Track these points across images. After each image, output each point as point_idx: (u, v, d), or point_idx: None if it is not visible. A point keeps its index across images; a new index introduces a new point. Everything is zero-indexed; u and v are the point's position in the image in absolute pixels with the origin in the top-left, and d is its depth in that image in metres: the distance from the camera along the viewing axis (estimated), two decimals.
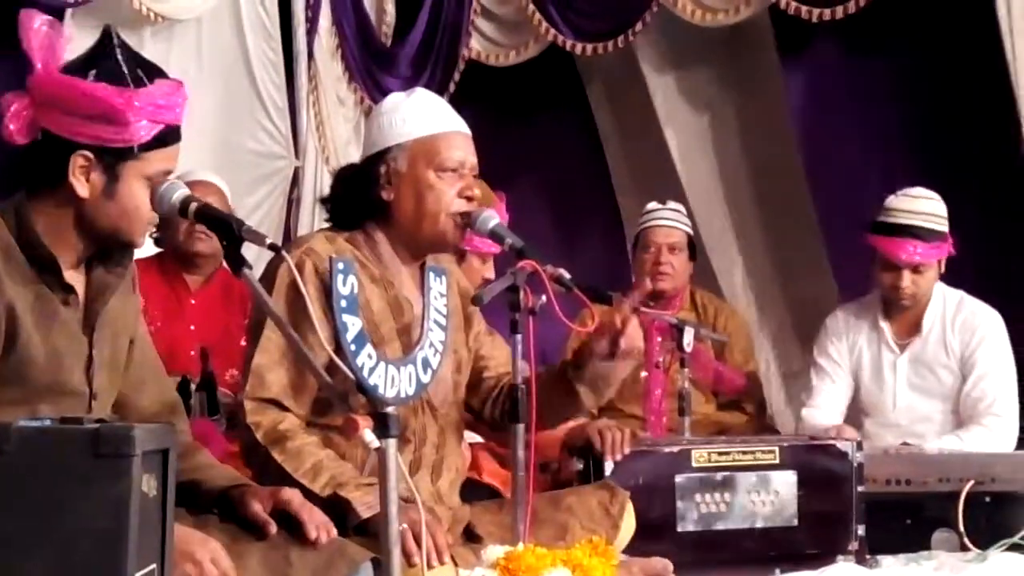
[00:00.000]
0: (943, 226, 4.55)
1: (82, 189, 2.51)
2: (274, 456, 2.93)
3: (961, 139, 5.34)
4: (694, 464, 3.69)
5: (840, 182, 5.67)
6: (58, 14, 4.81)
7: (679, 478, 3.67)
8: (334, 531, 2.68)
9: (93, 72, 2.51)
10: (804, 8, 5.09)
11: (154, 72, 2.58)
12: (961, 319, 4.62)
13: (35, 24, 2.51)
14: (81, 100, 2.49)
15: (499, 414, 3.36)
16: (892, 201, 4.59)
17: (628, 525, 3.40)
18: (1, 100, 2.51)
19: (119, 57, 2.52)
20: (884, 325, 4.70)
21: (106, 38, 2.56)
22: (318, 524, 2.65)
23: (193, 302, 4.69)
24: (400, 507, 2.40)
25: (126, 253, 2.65)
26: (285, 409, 2.99)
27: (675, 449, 3.73)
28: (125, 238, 2.57)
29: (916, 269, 4.55)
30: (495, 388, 3.37)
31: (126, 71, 2.51)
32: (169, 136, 2.55)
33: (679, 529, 3.66)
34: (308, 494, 2.81)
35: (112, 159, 2.50)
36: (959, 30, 5.23)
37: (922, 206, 4.56)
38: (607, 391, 3.32)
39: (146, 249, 4.61)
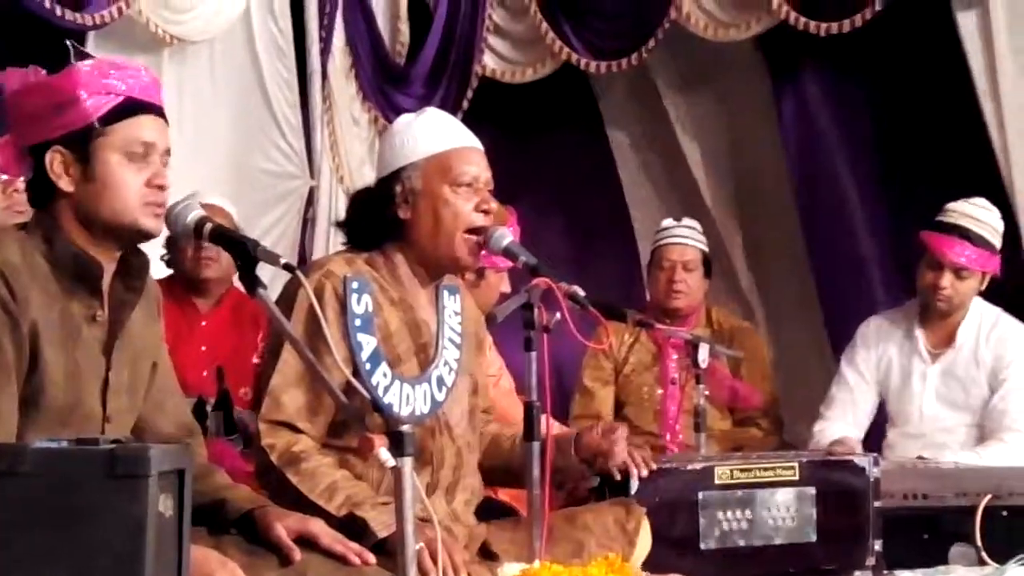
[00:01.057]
0: (995, 238, 4.58)
1: (66, 184, 2.53)
2: (289, 478, 2.93)
3: (940, 158, 5.37)
4: (717, 481, 3.68)
5: (827, 203, 5.73)
6: (79, 38, 4.87)
7: (702, 495, 3.66)
8: (372, 558, 2.69)
9: (40, 72, 2.58)
10: (812, 23, 5.12)
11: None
12: (996, 335, 4.63)
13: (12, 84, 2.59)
14: (35, 99, 2.55)
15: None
16: (951, 204, 4.62)
17: (644, 542, 3.39)
18: None
19: (71, 58, 2.57)
20: (919, 333, 4.70)
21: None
22: (356, 552, 2.68)
23: (203, 324, 4.71)
24: (416, 526, 2.40)
25: (143, 263, 2.65)
26: (299, 431, 2.99)
27: (698, 466, 3.72)
28: (124, 220, 2.54)
29: (958, 273, 4.55)
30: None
31: (72, 61, 2.55)
32: (134, 108, 2.55)
33: (702, 546, 3.64)
34: (324, 514, 2.82)
35: (81, 143, 2.52)
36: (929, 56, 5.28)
37: (978, 213, 4.59)
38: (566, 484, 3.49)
39: (158, 271, 4.63)
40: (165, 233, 2.75)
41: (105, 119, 2.53)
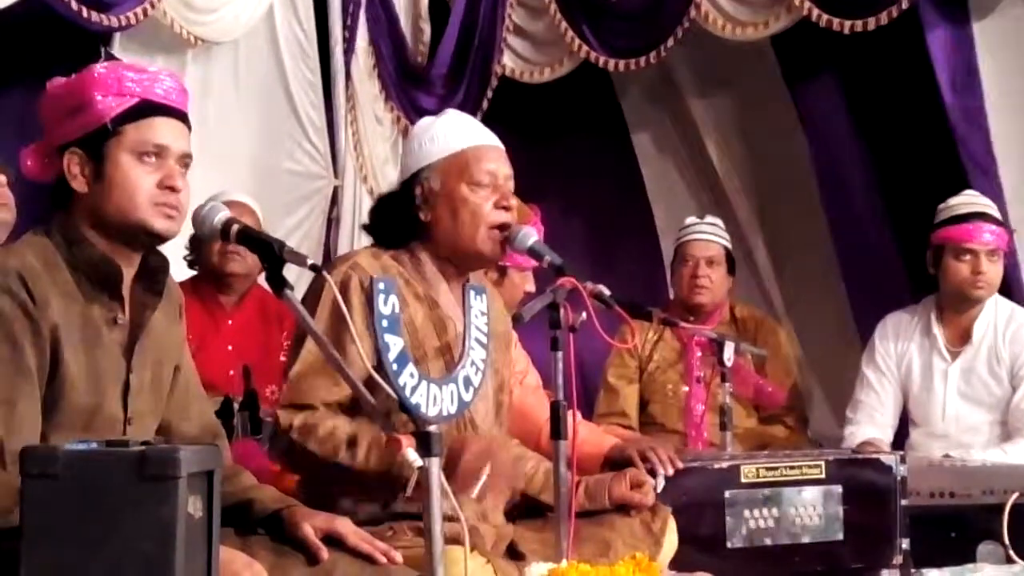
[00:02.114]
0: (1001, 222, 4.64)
1: (79, 185, 2.55)
2: (309, 449, 2.93)
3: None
4: (743, 479, 3.68)
5: (852, 198, 5.72)
6: (105, 39, 4.89)
7: (728, 494, 3.66)
8: (399, 557, 2.69)
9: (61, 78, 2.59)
10: (836, 20, 5.09)
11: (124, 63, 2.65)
12: (1012, 330, 4.63)
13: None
14: (55, 102, 2.57)
15: None
16: (953, 199, 4.67)
17: (670, 542, 3.41)
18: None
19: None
20: (937, 332, 4.69)
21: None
22: (383, 551, 2.68)
23: (230, 322, 4.72)
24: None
25: (162, 265, 2.66)
26: (315, 408, 2.99)
27: (724, 465, 3.72)
28: (132, 219, 2.54)
29: (990, 256, 4.57)
30: None
31: (91, 66, 2.57)
32: (149, 110, 2.56)
33: (729, 545, 3.65)
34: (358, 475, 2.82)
35: (94, 144, 2.54)
36: None
37: (980, 199, 4.66)
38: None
39: (181, 272, 4.65)
40: (188, 233, 2.76)
41: (118, 120, 2.53)
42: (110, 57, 2.64)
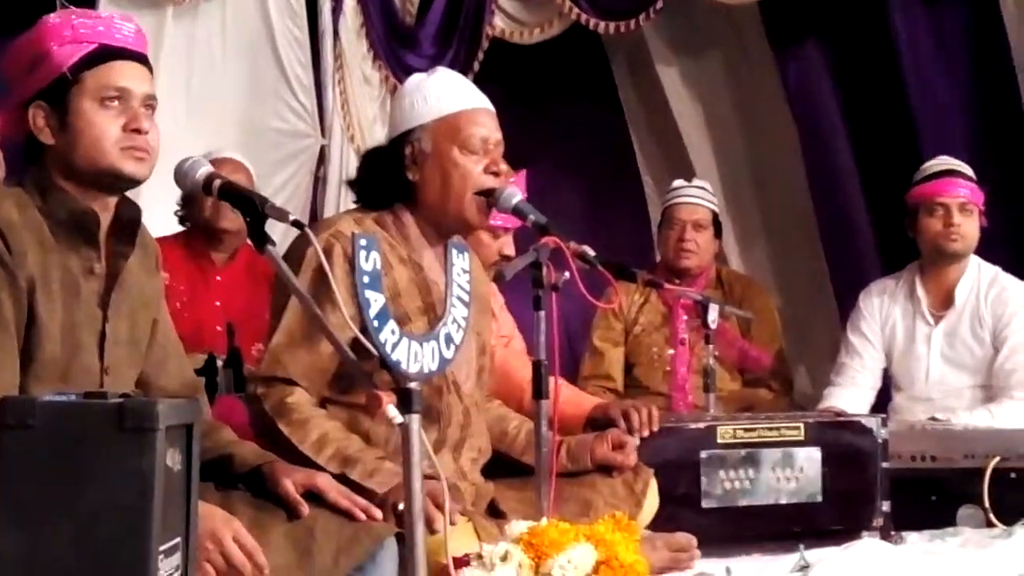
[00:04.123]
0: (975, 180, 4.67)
1: (46, 137, 2.55)
2: (280, 428, 2.94)
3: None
4: (719, 440, 3.69)
5: (834, 166, 5.74)
6: None
7: (704, 454, 3.67)
8: (378, 513, 2.69)
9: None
10: None
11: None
12: (995, 292, 4.65)
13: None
14: (14, 59, 2.57)
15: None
16: (928, 162, 4.73)
17: (651, 503, 3.43)
18: None
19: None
20: (921, 295, 4.72)
21: None
22: (362, 507, 2.67)
23: (218, 278, 4.70)
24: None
25: (134, 214, 2.64)
26: (295, 385, 3.00)
27: (700, 425, 3.73)
28: (102, 165, 2.53)
29: (963, 208, 4.60)
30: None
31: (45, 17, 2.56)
32: (107, 55, 2.55)
33: (704, 505, 3.66)
34: (316, 466, 2.83)
35: (56, 95, 2.53)
36: None
37: (956, 162, 4.69)
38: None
39: (172, 227, 4.63)
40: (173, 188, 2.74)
41: (76, 67, 2.52)
42: (64, 6, 2.62)
